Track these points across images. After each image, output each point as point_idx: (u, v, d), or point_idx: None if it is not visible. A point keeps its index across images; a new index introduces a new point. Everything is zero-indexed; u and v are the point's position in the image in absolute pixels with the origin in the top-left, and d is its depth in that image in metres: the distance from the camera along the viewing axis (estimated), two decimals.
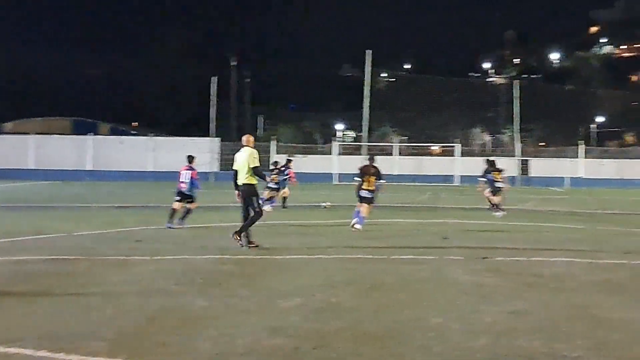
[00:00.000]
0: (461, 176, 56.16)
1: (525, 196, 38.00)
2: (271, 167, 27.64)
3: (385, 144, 67.14)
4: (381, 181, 18.93)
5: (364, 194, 18.68)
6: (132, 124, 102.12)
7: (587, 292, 10.26)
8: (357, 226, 18.18)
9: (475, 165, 58.02)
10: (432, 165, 60.70)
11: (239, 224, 14.77)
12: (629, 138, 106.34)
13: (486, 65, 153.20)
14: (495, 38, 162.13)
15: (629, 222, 23.11)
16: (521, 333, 7.78)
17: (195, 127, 75.64)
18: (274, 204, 25.89)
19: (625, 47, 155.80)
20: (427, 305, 9.19)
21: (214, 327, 7.91)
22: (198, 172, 19.92)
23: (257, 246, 14.56)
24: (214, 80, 63.33)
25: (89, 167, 56.72)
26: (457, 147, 60.30)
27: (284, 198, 27.19)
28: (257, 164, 14.71)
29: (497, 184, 24.64)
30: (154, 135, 60.70)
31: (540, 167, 60.18)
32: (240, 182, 14.79)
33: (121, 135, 69.32)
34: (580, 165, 59.53)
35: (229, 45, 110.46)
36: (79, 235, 16.73)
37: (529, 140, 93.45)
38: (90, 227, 18.49)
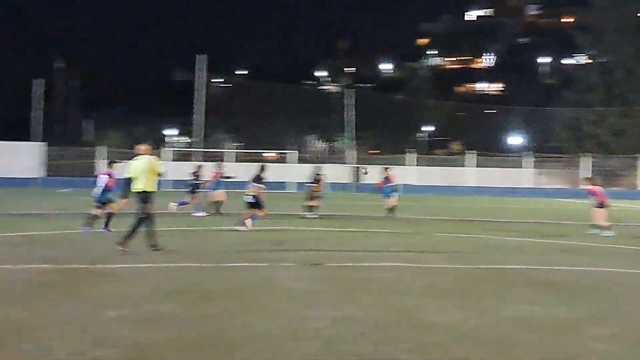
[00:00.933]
0: (297, 183, 56.53)
1: (358, 202, 38.76)
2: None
3: (219, 150, 66.73)
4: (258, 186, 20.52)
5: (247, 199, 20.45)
6: None
7: (413, 296, 10.52)
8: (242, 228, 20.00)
9: (309, 172, 58.99)
10: (267, 171, 60.68)
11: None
12: (456, 146, 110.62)
13: (321, 73, 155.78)
14: (331, 46, 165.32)
15: (459, 228, 23.94)
16: (349, 338, 7.86)
17: (19, 131, 72.52)
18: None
19: (452, 59, 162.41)
20: (256, 312, 9.13)
21: (34, 339, 7.54)
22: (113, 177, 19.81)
23: (161, 249, 14.95)
24: (38, 82, 61.01)
25: None
26: (293, 154, 60.74)
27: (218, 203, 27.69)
28: (161, 171, 15.26)
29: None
30: None
31: (371, 174, 61.41)
32: (138, 189, 14.93)
33: None
34: (410, 173, 61.26)
35: (55, 48, 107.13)
36: None
37: (363, 147, 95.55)
38: None
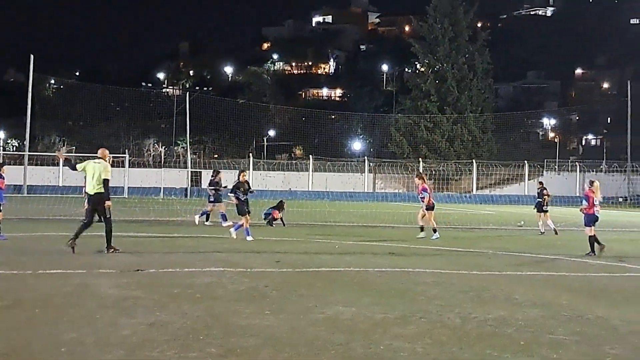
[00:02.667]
0: (129, 187, 55.37)
1: (195, 207, 38.28)
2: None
3: (50, 154, 64.43)
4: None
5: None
6: None
7: (231, 301, 10.46)
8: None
9: (146, 177, 57.96)
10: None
11: None
12: (298, 151, 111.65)
13: (160, 75, 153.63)
14: (170, 49, 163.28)
15: (265, 232, 24.08)
16: (157, 344, 7.72)
17: None
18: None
19: (294, 64, 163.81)
20: (65, 320, 8.83)
21: None
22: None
23: (117, 250, 16.04)
24: None
25: None
26: (125, 158, 59.26)
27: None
28: (109, 177, 16.08)
29: None
30: None
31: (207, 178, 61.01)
32: (91, 191, 15.95)
33: None
34: (250, 177, 61.20)
35: None
36: None
37: (203, 152, 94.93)
38: None
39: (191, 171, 60.76)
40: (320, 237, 22.16)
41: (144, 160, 68.69)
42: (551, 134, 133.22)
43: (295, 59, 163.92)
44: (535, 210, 26.97)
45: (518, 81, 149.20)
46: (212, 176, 27.23)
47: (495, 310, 10.23)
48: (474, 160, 68.29)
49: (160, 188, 55.75)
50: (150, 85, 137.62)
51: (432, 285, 12.52)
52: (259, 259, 15.75)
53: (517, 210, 44.11)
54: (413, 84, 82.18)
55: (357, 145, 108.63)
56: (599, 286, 13.20)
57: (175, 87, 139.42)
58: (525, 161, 68.86)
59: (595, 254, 18.00)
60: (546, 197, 26.53)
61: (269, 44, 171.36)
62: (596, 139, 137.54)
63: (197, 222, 25.98)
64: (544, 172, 73.79)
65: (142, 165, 62.61)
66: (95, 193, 15.91)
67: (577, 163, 74.94)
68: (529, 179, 68.89)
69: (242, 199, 20.09)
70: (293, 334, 8.35)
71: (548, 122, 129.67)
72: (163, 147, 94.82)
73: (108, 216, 15.89)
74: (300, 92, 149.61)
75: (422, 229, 22.72)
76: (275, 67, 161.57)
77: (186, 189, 57.75)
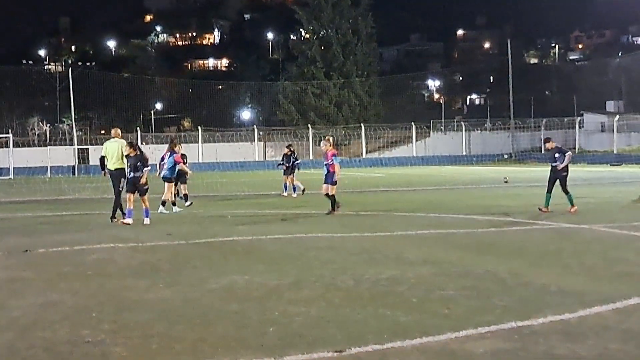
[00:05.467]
0: (15, 168, 53.81)
1: (84, 185, 37.56)
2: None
3: None
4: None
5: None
6: None
7: (124, 277, 10.35)
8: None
9: (32, 156, 56.37)
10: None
11: None
12: (187, 124, 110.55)
13: (41, 52, 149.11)
14: (50, 24, 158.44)
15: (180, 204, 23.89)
16: (48, 323, 7.59)
17: None
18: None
19: (178, 36, 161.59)
20: None
21: None
22: None
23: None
24: None
25: None
26: (9, 138, 57.44)
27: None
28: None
29: None
30: None
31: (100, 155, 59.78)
32: (112, 167, 17.89)
33: None
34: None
35: None
36: None
37: (89, 128, 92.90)
38: None
39: (78, 148, 59.34)
40: (212, 208, 22.08)
41: (28, 140, 66.56)
42: (436, 95, 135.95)
43: (179, 30, 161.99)
44: None
45: (401, 44, 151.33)
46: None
47: (388, 270, 10.44)
48: (362, 125, 69.02)
49: (47, 167, 54.34)
50: (31, 62, 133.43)
51: (325, 249, 12.68)
52: (150, 232, 15.60)
53: (406, 172, 44.95)
54: (299, 51, 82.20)
55: (246, 114, 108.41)
56: (487, 241, 13.63)
57: (57, 64, 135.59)
58: (412, 123, 70.04)
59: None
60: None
61: (151, 16, 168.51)
62: (480, 98, 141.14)
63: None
64: (431, 132, 75.32)
65: (27, 145, 60.70)
66: (116, 168, 17.85)
67: (462, 122, 76.70)
68: (416, 141, 70.19)
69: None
70: (187, 306, 8.33)
71: (433, 83, 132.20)
72: (48, 125, 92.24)
73: (120, 189, 17.86)
74: (186, 64, 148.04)
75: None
76: (159, 40, 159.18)
77: (74, 166, 56.49)
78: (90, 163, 56.91)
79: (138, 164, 17.28)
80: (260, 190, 30.52)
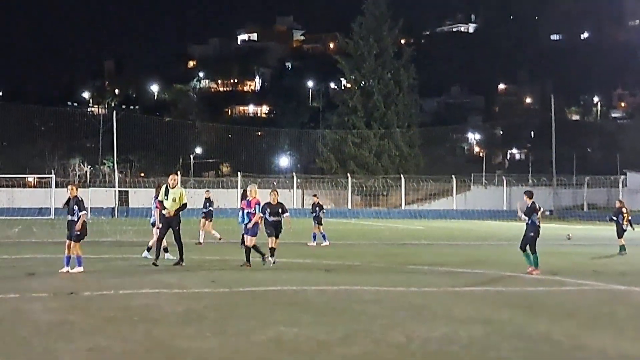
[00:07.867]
0: (56, 208, 54.10)
1: (123, 227, 37.63)
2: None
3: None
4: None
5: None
6: None
7: (171, 323, 10.25)
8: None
9: None
10: (25, 197, 57.63)
11: None
12: (225, 169, 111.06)
13: (85, 94, 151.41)
14: (95, 67, 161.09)
15: (220, 251, 23.81)
16: None
17: None
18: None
19: (220, 82, 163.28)
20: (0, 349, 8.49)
21: None
22: None
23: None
24: None
25: None
26: (52, 179, 57.93)
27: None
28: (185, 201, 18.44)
29: None
30: None
31: (140, 197, 60.11)
32: (170, 213, 18.05)
33: None
34: None
35: None
36: None
37: (130, 170, 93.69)
38: None
39: (119, 190, 59.74)
40: (252, 255, 21.89)
41: (69, 181, 67.04)
42: (476, 149, 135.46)
43: (221, 76, 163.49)
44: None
45: (442, 96, 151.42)
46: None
47: (438, 327, 10.21)
48: (402, 175, 68.77)
49: (88, 208, 54.52)
50: (75, 104, 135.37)
51: (372, 303, 12.46)
52: (193, 279, 15.49)
53: (447, 225, 44.57)
54: (339, 100, 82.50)
55: (284, 161, 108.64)
56: (537, 301, 13.32)
57: (100, 106, 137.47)
58: (453, 175, 69.63)
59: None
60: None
61: (194, 62, 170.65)
62: (520, 152, 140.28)
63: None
64: (472, 186, 74.79)
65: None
66: (175, 215, 18.19)
67: (503, 177, 76.09)
68: (457, 193, 69.69)
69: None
70: (236, 357, 8.18)
71: (473, 136, 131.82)
72: (89, 166, 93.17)
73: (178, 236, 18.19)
74: (227, 109, 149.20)
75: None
76: (201, 85, 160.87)
77: (113, 208, 56.80)
78: (130, 205, 57.29)
79: (75, 207, 16.49)
80: (300, 239, 30.31)
